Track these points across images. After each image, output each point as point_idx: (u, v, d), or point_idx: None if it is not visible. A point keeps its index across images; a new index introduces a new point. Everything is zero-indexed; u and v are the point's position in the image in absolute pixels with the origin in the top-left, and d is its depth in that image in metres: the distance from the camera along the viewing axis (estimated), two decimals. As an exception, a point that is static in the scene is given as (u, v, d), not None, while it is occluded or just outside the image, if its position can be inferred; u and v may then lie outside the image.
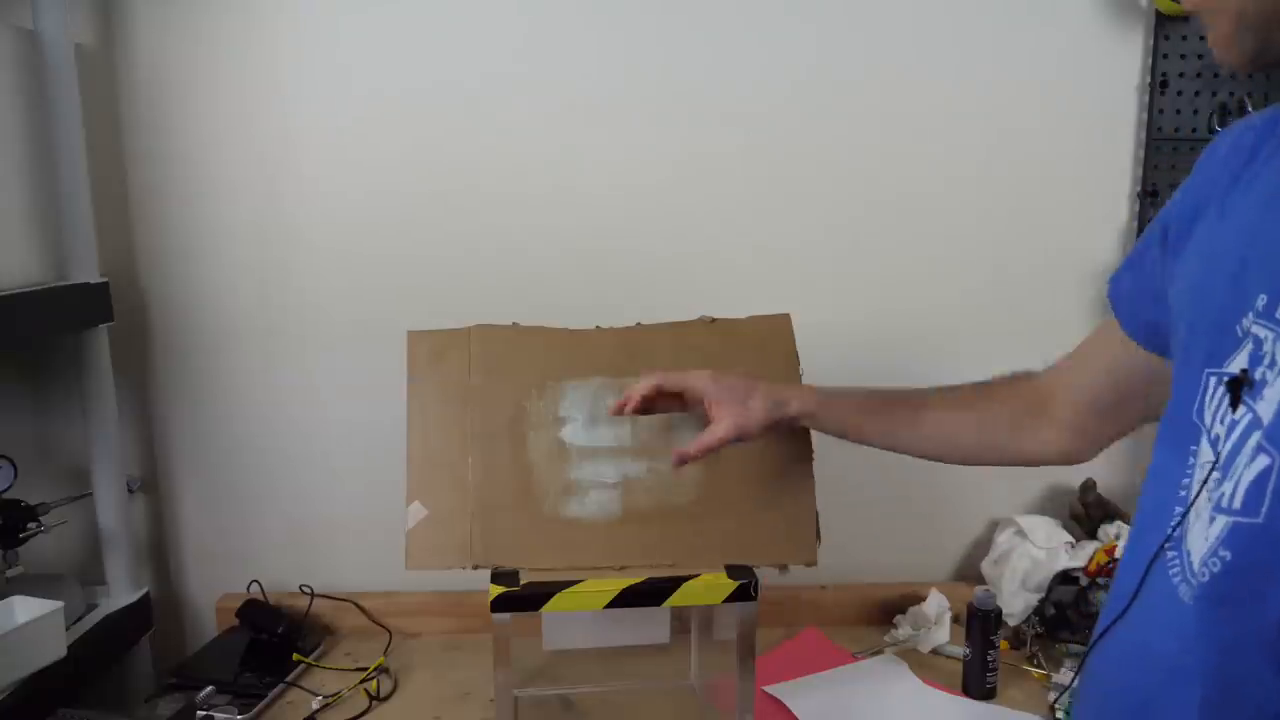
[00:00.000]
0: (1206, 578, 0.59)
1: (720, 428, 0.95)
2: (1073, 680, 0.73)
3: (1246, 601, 0.56)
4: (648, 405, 1.02)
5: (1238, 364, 0.59)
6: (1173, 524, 0.63)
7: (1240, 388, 0.58)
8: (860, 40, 1.35)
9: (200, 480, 1.41)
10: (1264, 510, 0.55)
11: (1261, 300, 0.58)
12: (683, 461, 0.98)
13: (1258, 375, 0.58)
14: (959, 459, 0.99)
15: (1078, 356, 0.90)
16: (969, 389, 0.96)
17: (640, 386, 0.99)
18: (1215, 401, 0.61)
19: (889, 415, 0.98)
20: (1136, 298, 0.79)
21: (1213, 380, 0.62)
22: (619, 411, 1.01)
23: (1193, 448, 0.63)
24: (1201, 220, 0.68)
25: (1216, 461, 0.60)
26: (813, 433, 1.08)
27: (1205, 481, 0.60)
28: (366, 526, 1.37)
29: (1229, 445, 0.59)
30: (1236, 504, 0.57)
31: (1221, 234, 0.65)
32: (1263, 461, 0.55)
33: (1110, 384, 0.85)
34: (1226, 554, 0.57)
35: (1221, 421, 0.60)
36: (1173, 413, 0.67)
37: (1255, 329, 0.58)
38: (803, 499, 1.06)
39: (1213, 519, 0.59)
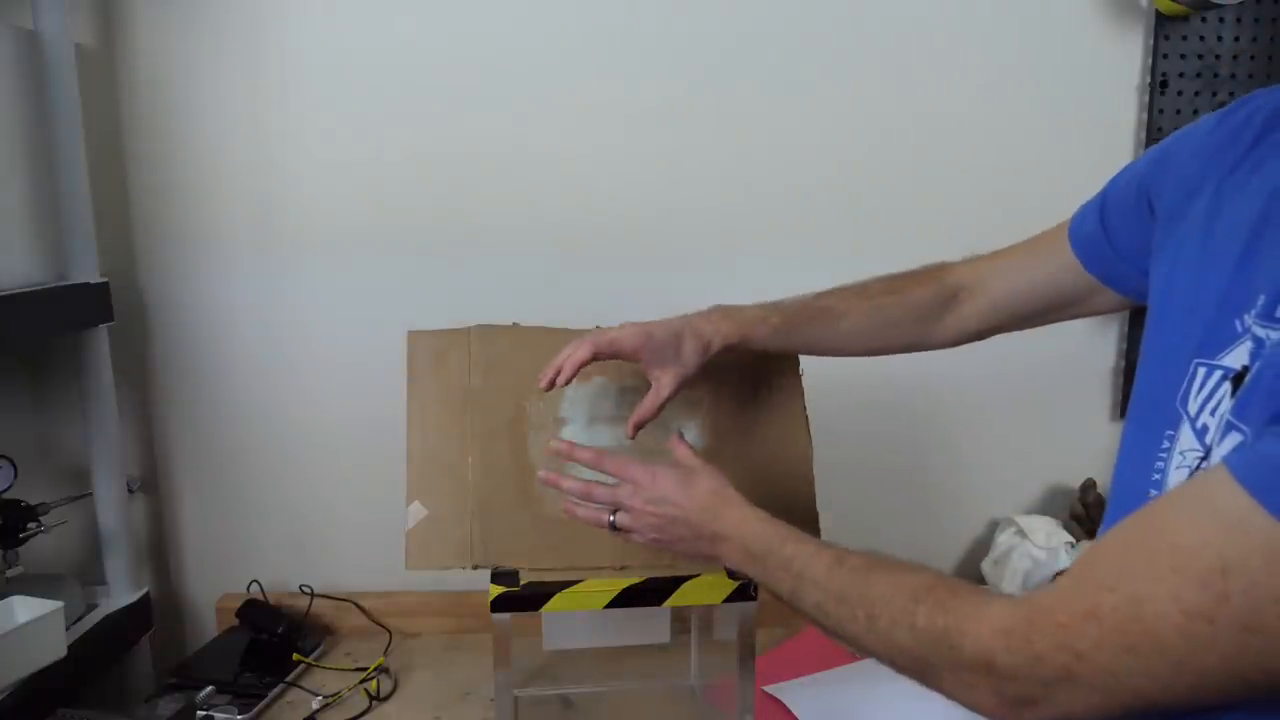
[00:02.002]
0: None
1: (665, 388, 0.96)
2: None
3: None
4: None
5: (1236, 359, 0.59)
6: None
7: (1241, 384, 0.58)
8: (860, 42, 1.35)
9: (200, 480, 1.41)
10: None
11: (1261, 299, 0.58)
12: (638, 428, 0.98)
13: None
14: (867, 354, 1.02)
15: (1012, 263, 0.93)
16: (880, 289, 0.99)
17: (574, 357, 0.95)
18: (1205, 392, 0.61)
19: (806, 332, 1.00)
20: (1102, 245, 0.82)
21: (1202, 371, 0.62)
22: (550, 385, 0.96)
23: (1169, 432, 0.63)
24: (1196, 201, 0.68)
25: (1206, 455, 0.60)
26: (813, 433, 1.08)
27: (1194, 472, 0.60)
28: (366, 526, 1.37)
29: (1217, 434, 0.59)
30: None
31: (1220, 224, 0.65)
32: (1235, 438, 0.56)
33: (1036, 295, 0.90)
34: None
35: (1213, 414, 0.60)
36: (1150, 393, 0.67)
37: (1256, 328, 0.58)
38: (803, 499, 1.06)
39: None
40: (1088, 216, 0.85)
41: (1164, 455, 0.64)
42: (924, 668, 0.62)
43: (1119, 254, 0.81)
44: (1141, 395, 0.69)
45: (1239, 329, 0.59)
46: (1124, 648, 0.50)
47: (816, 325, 0.99)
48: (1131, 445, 0.69)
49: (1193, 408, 0.62)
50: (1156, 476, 0.64)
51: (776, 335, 0.98)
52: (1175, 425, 0.63)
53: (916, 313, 0.97)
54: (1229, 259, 0.62)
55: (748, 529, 0.82)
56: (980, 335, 0.98)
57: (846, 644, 0.70)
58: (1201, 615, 0.47)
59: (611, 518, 0.90)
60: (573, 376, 0.95)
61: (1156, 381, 0.66)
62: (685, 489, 0.86)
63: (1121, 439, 0.71)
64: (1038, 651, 0.54)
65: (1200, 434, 0.61)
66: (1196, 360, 0.62)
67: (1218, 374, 0.60)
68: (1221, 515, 0.48)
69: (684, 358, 0.96)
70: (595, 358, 0.95)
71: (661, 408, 0.97)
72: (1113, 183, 0.83)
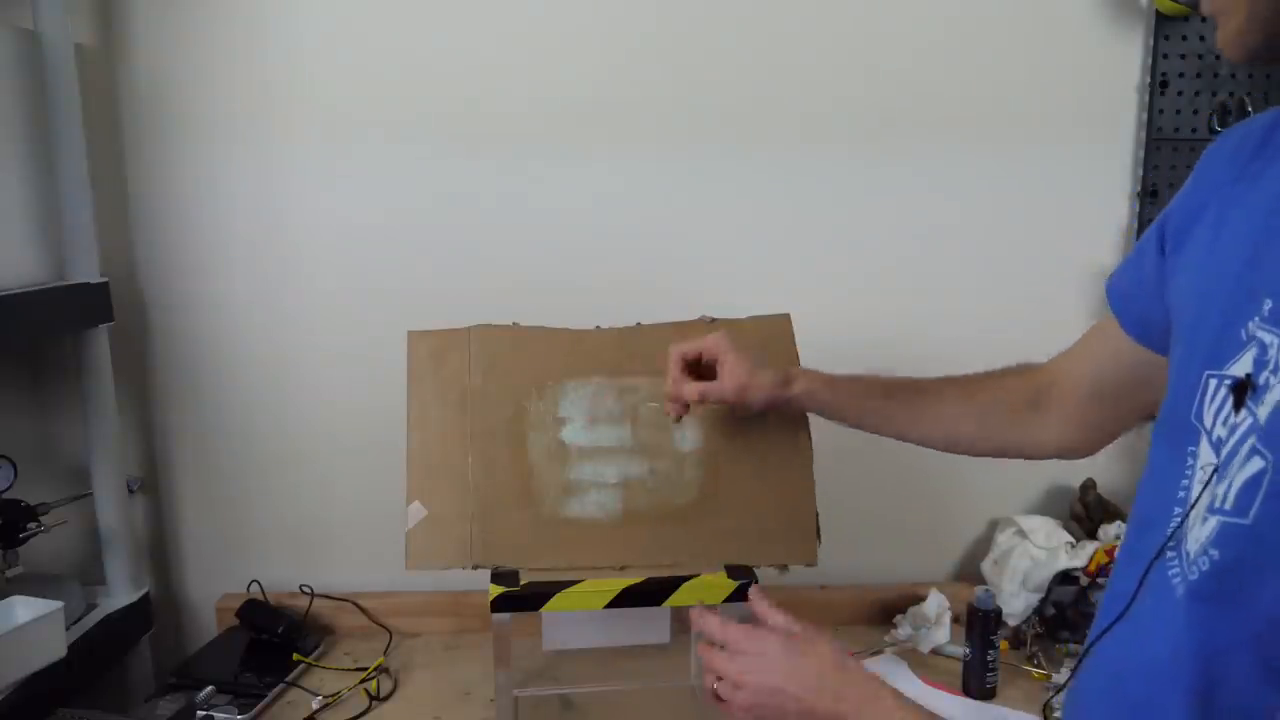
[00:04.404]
0: (1195, 575, 0.59)
1: (727, 386, 0.96)
2: (1068, 679, 0.73)
3: (1232, 600, 0.57)
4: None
5: (1241, 367, 0.59)
6: (1173, 526, 0.63)
7: (1244, 391, 0.58)
8: (859, 41, 1.35)
9: (200, 480, 1.41)
10: (1253, 511, 0.55)
11: (1268, 305, 0.58)
12: (682, 408, 0.99)
13: (1261, 380, 0.57)
14: (959, 449, 0.99)
15: (1078, 349, 0.90)
16: (970, 380, 0.97)
17: (673, 374, 0.99)
18: (1216, 404, 0.61)
19: (890, 405, 0.99)
20: (1132, 294, 0.80)
21: (1213, 382, 0.62)
22: (680, 415, 1.02)
23: (1192, 449, 0.63)
24: (1201, 221, 0.68)
25: (1219, 465, 0.60)
26: (812, 433, 1.08)
27: (1207, 484, 0.60)
28: (366, 526, 1.37)
29: (1229, 448, 0.59)
30: (1229, 504, 0.57)
31: (1223, 236, 0.65)
32: (1257, 464, 0.55)
33: (1110, 377, 0.86)
34: (1215, 553, 0.57)
35: (1224, 424, 0.60)
36: (1170, 412, 0.67)
37: (1260, 333, 0.58)
38: (803, 499, 1.06)
39: (1205, 519, 0.59)
40: (1120, 273, 0.82)
41: (1189, 473, 0.63)
42: None
43: (1148, 308, 0.76)
44: (1165, 414, 0.69)
45: (1244, 337, 0.59)
46: None
47: (911, 394, 0.98)
48: (1156, 464, 0.68)
49: (1208, 420, 0.62)
50: (1182, 494, 0.63)
51: (859, 400, 0.99)
52: (1195, 441, 0.63)
53: (1010, 402, 0.93)
54: (1233, 269, 0.62)
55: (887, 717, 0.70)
56: (1087, 434, 0.90)
57: None
58: None
59: (715, 685, 0.78)
60: (681, 396, 0.99)
61: (1175, 399, 0.66)
62: (791, 655, 0.74)
63: (1149, 456, 0.70)
64: None
65: (1216, 446, 0.61)
66: (1207, 372, 0.62)
67: (1226, 384, 0.60)
68: None
69: (757, 376, 0.97)
70: (684, 359, 1.00)
71: (706, 401, 0.98)
72: (1140, 243, 0.79)
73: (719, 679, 0.77)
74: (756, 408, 0.99)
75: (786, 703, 0.72)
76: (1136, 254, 0.80)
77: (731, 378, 0.96)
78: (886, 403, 0.99)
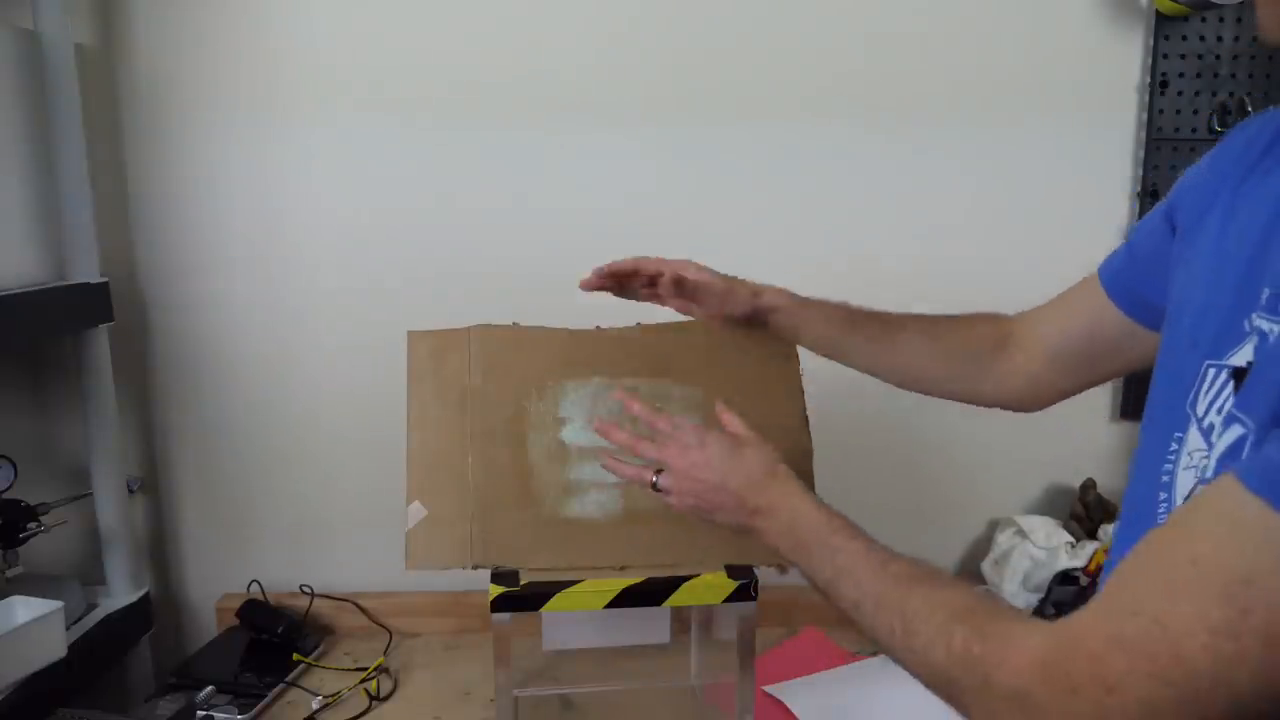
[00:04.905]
0: None
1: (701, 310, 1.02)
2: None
3: None
4: (621, 283, 1.06)
5: (1242, 357, 0.59)
6: (1159, 513, 0.64)
7: (1244, 379, 0.59)
8: (859, 41, 1.35)
9: (200, 480, 1.41)
10: None
11: (1265, 294, 0.58)
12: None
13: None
14: (914, 387, 1.01)
15: (1053, 306, 0.92)
16: (938, 320, 0.99)
17: (617, 264, 1.02)
18: (1213, 393, 0.61)
19: (863, 329, 1.00)
20: (1129, 268, 0.82)
21: (1212, 372, 0.62)
22: (588, 284, 1.04)
23: (1178, 434, 0.63)
24: (1212, 212, 0.69)
25: (1210, 452, 0.60)
26: (812, 433, 1.08)
27: (1202, 475, 0.60)
28: (366, 526, 1.37)
29: (1218, 428, 0.59)
30: (1208, 473, 0.58)
31: (1231, 230, 0.66)
32: (1237, 430, 0.56)
33: (1080, 338, 0.88)
34: None
35: (1219, 413, 0.60)
36: (1162, 397, 0.68)
37: (1261, 323, 0.58)
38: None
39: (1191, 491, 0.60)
40: (1117, 253, 0.85)
41: (1172, 458, 0.64)
42: (955, 691, 0.60)
43: (1146, 284, 0.79)
44: (1154, 400, 0.69)
45: (1246, 328, 0.60)
46: (1152, 674, 0.48)
47: (876, 325, 0.99)
48: (1143, 450, 0.69)
49: (1201, 408, 0.62)
50: (1165, 479, 0.64)
51: (832, 320, 1.00)
52: (1184, 428, 0.63)
53: (974, 346, 0.96)
54: (1240, 262, 0.62)
55: (795, 510, 0.81)
56: (1038, 391, 0.94)
57: (878, 647, 0.69)
58: (1226, 632, 0.46)
59: (654, 477, 0.89)
60: (608, 274, 1.02)
61: (1168, 385, 0.67)
62: (733, 457, 0.86)
63: (1137, 445, 0.71)
64: (1074, 684, 0.51)
65: (1206, 434, 0.61)
66: (1207, 362, 0.62)
67: (1225, 373, 0.60)
68: (1236, 526, 0.47)
69: (735, 293, 1.00)
70: (638, 270, 1.02)
71: (686, 307, 1.03)
72: (1141, 221, 0.83)
73: (658, 471, 0.89)
74: (738, 315, 1.03)
75: (724, 497, 0.85)
76: (1138, 232, 0.81)
77: (708, 307, 1.01)
78: (859, 331, 1.00)
